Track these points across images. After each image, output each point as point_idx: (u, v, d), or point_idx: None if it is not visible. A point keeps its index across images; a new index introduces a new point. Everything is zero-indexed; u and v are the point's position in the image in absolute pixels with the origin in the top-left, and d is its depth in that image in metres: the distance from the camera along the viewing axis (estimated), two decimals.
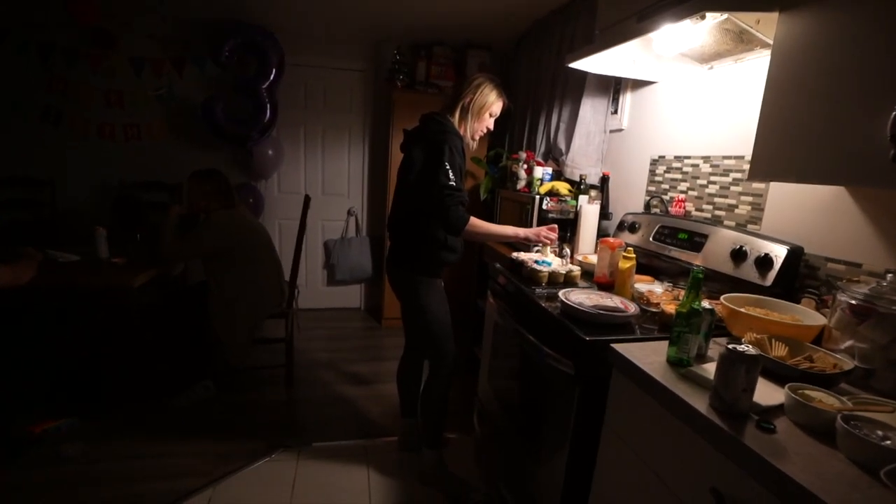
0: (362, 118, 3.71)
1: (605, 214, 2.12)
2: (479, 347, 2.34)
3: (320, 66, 3.55)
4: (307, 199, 2.69)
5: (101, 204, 3.32)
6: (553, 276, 1.59)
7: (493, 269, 1.83)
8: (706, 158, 1.69)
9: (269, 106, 3.21)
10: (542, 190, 2.28)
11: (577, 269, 1.63)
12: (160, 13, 3.07)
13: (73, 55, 3.10)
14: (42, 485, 1.75)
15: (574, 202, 2.17)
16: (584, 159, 2.36)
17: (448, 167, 1.56)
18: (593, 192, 2.17)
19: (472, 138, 1.74)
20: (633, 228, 1.87)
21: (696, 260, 1.50)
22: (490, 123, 1.77)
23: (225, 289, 2.27)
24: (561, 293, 1.35)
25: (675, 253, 1.61)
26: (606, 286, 1.54)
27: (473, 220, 1.64)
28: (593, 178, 2.28)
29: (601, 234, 2.08)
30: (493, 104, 1.71)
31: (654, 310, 1.32)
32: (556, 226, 1.82)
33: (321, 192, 3.74)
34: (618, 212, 2.13)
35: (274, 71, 3.19)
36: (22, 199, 3.22)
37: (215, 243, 2.21)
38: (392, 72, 3.30)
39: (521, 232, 1.76)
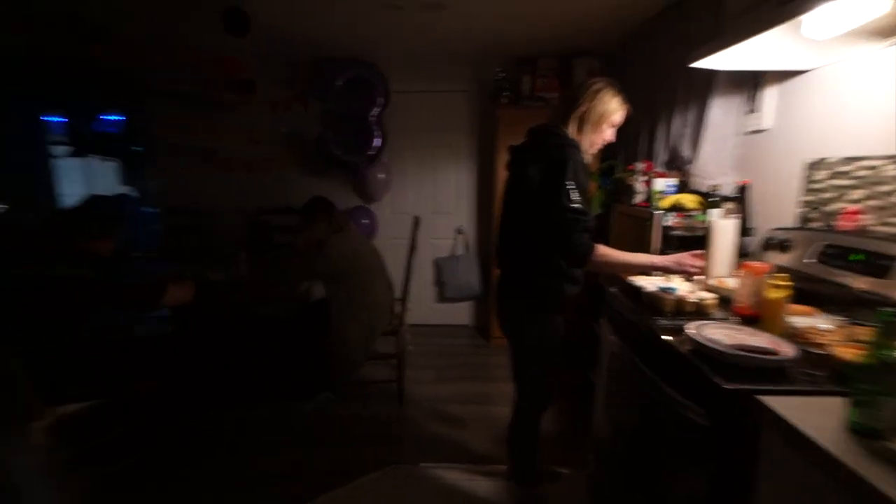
0: (468, 137, 3.75)
1: (745, 231, 1.82)
2: (594, 371, 2.16)
3: (424, 91, 3.67)
4: (416, 221, 2.77)
5: (243, 228, 3.81)
6: (680, 304, 1.38)
7: (609, 294, 1.67)
8: (893, 158, 1.35)
9: (377, 133, 3.41)
10: (664, 204, 2.05)
11: (710, 297, 1.40)
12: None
13: (225, 105, 3.64)
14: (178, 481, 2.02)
15: (704, 217, 1.90)
16: (714, 167, 2.07)
17: (571, 186, 1.36)
18: (729, 205, 1.88)
19: (589, 152, 1.55)
20: (783, 247, 1.56)
21: (880, 287, 1.19)
22: (610, 135, 1.56)
23: (340, 308, 2.42)
24: (691, 327, 1.16)
25: (846, 278, 1.30)
26: (750, 319, 1.30)
27: (600, 249, 1.41)
28: (727, 189, 1.98)
29: (741, 254, 1.79)
30: (614, 112, 1.51)
31: (819, 352, 1.07)
32: (701, 252, 1.54)
33: (431, 212, 3.85)
34: (760, 227, 1.82)
35: (380, 100, 3.38)
36: (186, 224, 3.84)
37: (330, 267, 2.37)
38: (495, 89, 3.29)
39: (657, 260, 1.48)
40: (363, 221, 3.65)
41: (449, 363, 3.23)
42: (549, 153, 1.43)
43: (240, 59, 2.75)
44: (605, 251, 1.42)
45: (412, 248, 2.73)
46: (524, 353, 1.61)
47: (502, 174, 2.25)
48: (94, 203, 1.98)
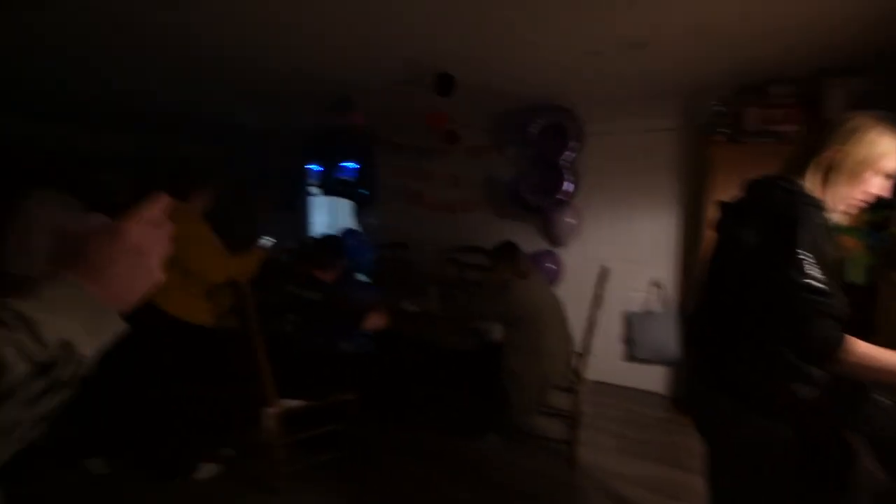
0: (671, 181, 3.35)
1: None
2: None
3: (622, 133, 3.45)
4: (603, 273, 2.57)
5: (438, 264, 4.16)
6: None
7: (873, 403, 1.19)
8: None
9: (568, 177, 3.33)
10: None
11: None
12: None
13: (432, 152, 4.12)
14: (360, 483, 2.20)
15: None
16: None
17: (806, 258, 1.00)
18: None
19: (842, 211, 1.15)
20: None
21: None
22: (880, 187, 1.13)
23: (515, 351, 2.38)
24: None
25: None
26: None
27: (857, 346, 0.98)
28: None
29: None
30: (883, 157, 1.09)
31: None
32: None
33: (623, 260, 3.54)
34: None
35: (573, 143, 3.31)
36: (394, 257, 4.41)
37: (509, 311, 2.36)
38: (709, 125, 2.86)
39: None
40: (548, 266, 3.58)
41: (635, 435, 2.83)
42: (774, 211, 1.08)
43: (446, 114, 3.08)
44: (864, 350, 0.97)
45: (597, 300, 2.53)
46: (728, 469, 1.22)
47: (711, 227, 1.90)
48: (324, 240, 2.43)
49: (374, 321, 2.46)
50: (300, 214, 5.54)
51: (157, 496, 2.15)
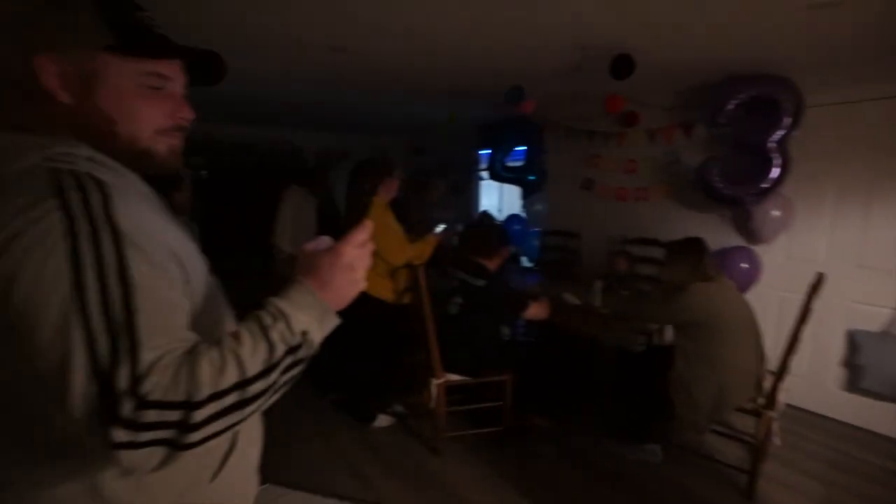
0: None
1: None
2: None
3: (859, 101, 2.68)
4: (819, 278, 2.10)
5: (606, 254, 3.94)
6: None
7: None
8: None
9: (777, 161, 2.76)
10: None
11: None
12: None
13: (607, 136, 3.87)
14: (514, 466, 2.29)
15: None
16: None
17: None
18: None
19: None
20: None
21: None
22: None
23: (687, 362, 2.15)
24: None
25: None
26: None
27: None
28: None
29: None
30: None
31: None
32: None
33: (853, 265, 2.82)
34: None
35: (786, 120, 2.71)
36: (560, 245, 4.34)
37: (683, 316, 2.13)
38: None
39: None
40: (741, 265, 3.07)
41: (847, 483, 2.29)
42: None
43: (622, 96, 2.86)
44: None
45: (805, 311, 2.09)
46: None
47: None
48: (488, 228, 2.54)
49: (535, 311, 2.50)
50: (470, 199, 5.85)
51: (350, 435, 2.62)
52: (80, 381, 0.48)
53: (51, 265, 0.49)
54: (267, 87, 3.61)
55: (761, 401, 2.12)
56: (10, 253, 0.49)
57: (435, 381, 2.38)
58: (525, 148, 4.59)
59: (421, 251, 2.63)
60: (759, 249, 3.13)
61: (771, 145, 2.80)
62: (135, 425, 0.48)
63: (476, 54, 2.65)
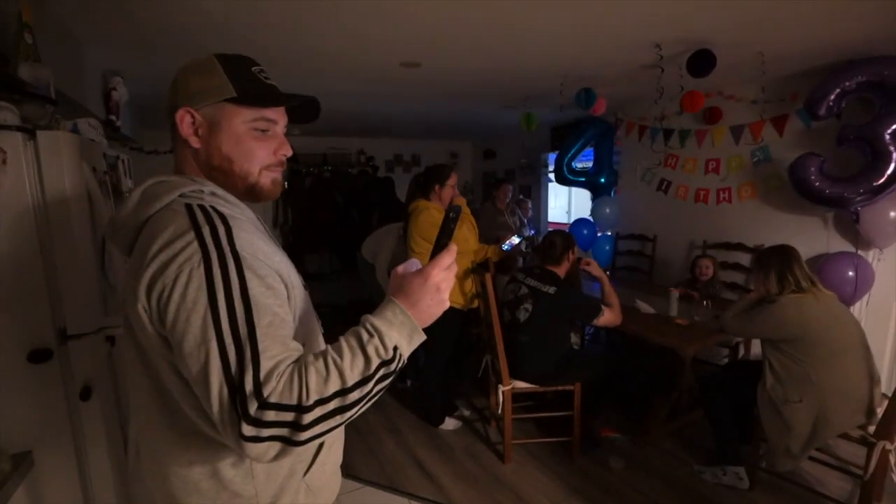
0: None
1: None
2: None
3: None
4: None
5: (685, 259, 3.71)
6: None
7: None
8: None
9: (894, 155, 2.44)
10: None
11: None
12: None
13: (684, 135, 3.64)
14: (584, 478, 2.24)
15: None
16: None
17: None
18: None
19: None
20: None
21: None
22: None
23: (778, 380, 1.97)
24: None
25: None
26: None
27: None
28: None
29: None
30: None
31: None
32: None
33: None
34: None
35: None
36: (633, 250, 4.15)
37: (773, 330, 1.96)
38: None
39: None
40: (846, 274, 2.75)
41: None
42: None
43: (701, 93, 2.68)
44: None
45: None
46: None
47: None
48: (555, 235, 2.51)
49: (608, 318, 2.42)
50: (538, 203, 5.77)
51: (418, 433, 2.71)
52: (216, 384, 0.58)
53: (191, 288, 0.60)
54: (343, 103, 3.83)
55: (872, 429, 1.90)
56: (163, 279, 0.61)
57: (502, 388, 2.40)
58: (594, 149, 4.45)
59: (487, 252, 2.68)
60: (869, 255, 2.79)
61: (888, 138, 2.49)
62: (259, 423, 0.56)
63: (547, 60, 2.63)
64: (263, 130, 0.74)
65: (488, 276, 2.39)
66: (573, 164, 4.47)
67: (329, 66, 2.73)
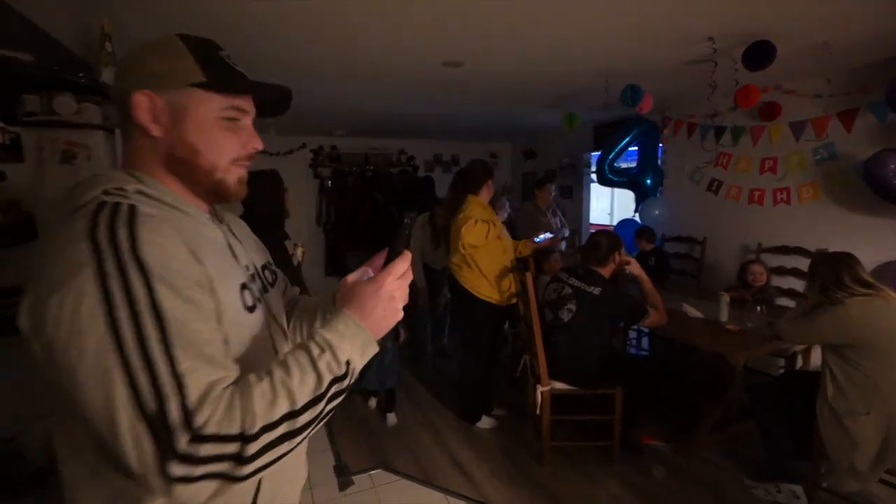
0: None
1: None
2: None
3: None
4: None
5: (736, 265, 3.52)
6: None
7: None
8: None
9: None
10: None
11: None
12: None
13: (740, 133, 3.47)
14: (623, 485, 2.17)
15: None
16: None
17: None
18: None
19: None
20: None
21: None
22: None
23: (840, 391, 1.84)
24: None
25: None
26: None
27: None
28: None
29: None
30: None
31: None
32: None
33: None
34: None
35: None
36: (682, 253, 3.99)
37: (834, 334, 1.83)
38: None
39: None
40: None
41: None
42: None
43: (757, 87, 2.54)
44: None
45: None
46: None
47: None
48: (600, 236, 2.45)
49: (654, 320, 2.35)
50: (579, 203, 5.65)
51: (454, 430, 2.72)
52: (125, 420, 0.48)
53: (84, 309, 0.50)
54: (385, 106, 3.91)
55: None
56: (48, 301, 0.50)
57: (541, 388, 2.36)
58: (638, 148, 4.31)
59: (522, 250, 2.66)
60: None
61: None
62: (191, 459, 0.48)
63: (592, 56, 2.57)
64: (234, 120, 0.67)
65: (528, 275, 2.37)
66: (616, 163, 4.35)
67: (373, 69, 2.78)
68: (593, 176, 5.11)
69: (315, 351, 0.58)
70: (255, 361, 0.63)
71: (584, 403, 2.51)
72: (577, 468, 2.35)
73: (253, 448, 0.51)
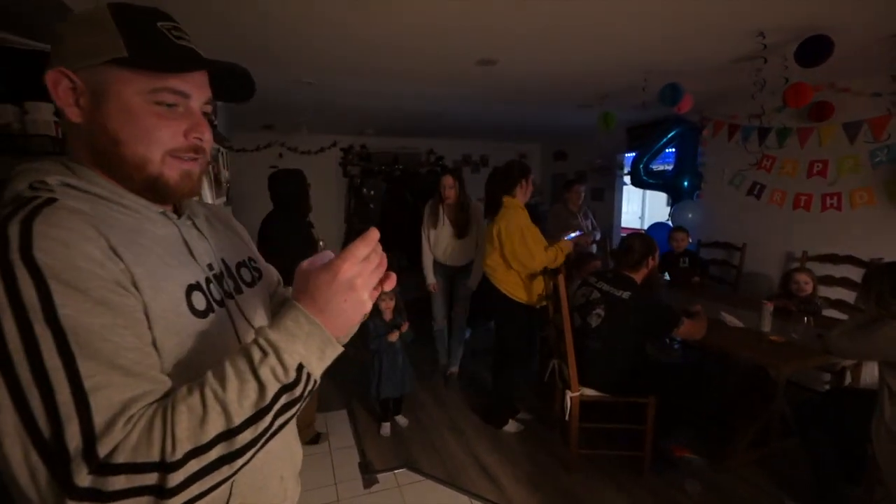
0: None
1: None
2: None
3: None
4: None
5: (779, 273, 3.36)
6: None
7: None
8: None
9: None
10: None
11: None
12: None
13: (786, 134, 3.30)
14: (654, 498, 2.09)
15: None
16: None
17: None
18: None
19: None
20: None
21: None
22: None
23: (893, 402, 1.71)
24: None
25: None
26: None
27: None
28: None
29: None
30: None
31: None
32: None
33: None
34: None
35: None
36: (718, 259, 3.83)
37: (885, 352, 1.70)
38: None
39: None
40: None
41: None
42: None
43: (809, 85, 2.40)
44: None
45: None
46: None
47: None
48: (633, 238, 2.37)
49: (689, 329, 2.25)
50: (611, 205, 5.52)
51: (480, 433, 2.68)
52: (17, 448, 0.41)
53: None
54: (416, 105, 3.90)
55: None
56: None
57: (570, 394, 2.30)
58: (676, 150, 4.17)
59: (554, 255, 2.57)
60: None
61: None
62: (97, 495, 0.40)
63: (630, 54, 2.49)
64: (170, 105, 0.55)
65: (561, 278, 2.31)
66: (651, 165, 4.22)
67: (406, 67, 2.77)
68: (626, 178, 4.98)
69: (257, 355, 0.48)
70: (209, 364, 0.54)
71: (615, 411, 2.43)
72: (606, 478, 2.27)
73: (177, 478, 0.42)
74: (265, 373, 0.48)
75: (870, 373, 2.31)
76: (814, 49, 2.00)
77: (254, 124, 4.83)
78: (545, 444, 2.58)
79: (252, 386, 0.47)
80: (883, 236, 2.84)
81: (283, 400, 0.49)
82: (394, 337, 2.51)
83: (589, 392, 2.30)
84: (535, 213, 2.71)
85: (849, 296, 2.94)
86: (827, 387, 2.84)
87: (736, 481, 2.24)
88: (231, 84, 0.64)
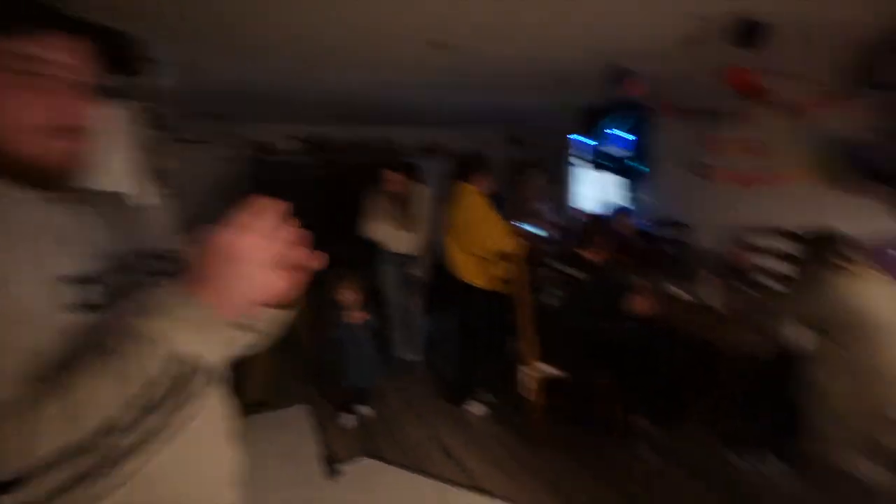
0: None
1: None
2: None
3: None
4: None
5: (723, 247, 3.52)
6: None
7: None
8: None
9: None
10: None
11: None
12: None
13: (729, 116, 3.45)
14: (616, 468, 2.17)
15: None
16: None
17: None
18: None
19: None
20: None
21: None
22: None
23: (827, 368, 1.85)
24: None
25: None
26: None
27: None
28: None
29: None
30: None
31: None
32: None
33: None
34: None
35: None
36: (667, 237, 3.98)
37: (823, 314, 1.82)
38: None
39: None
40: None
41: None
42: None
43: (747, 68, 2.50)
44: None
45: None
46: None
47: None
48: (589, 219, 2.42)
49: (640, 304, 2.33)
50: (564, 189, 5.61)
51: (443, 417, 2.69)
52: None
53: None
54: (368, 89, 3.79)
55: None
56: None
57: (526, 370, 2.34)
58: (627, 133, 4.28)
59: (513, 240, 2.61)
60: None
61: None
62: None
63: (588, 36, 2.49)
64: (32, 75, 0.47)
65: (519, 262, 2.33)
66: (606, 149, 4.32)
67: (352, 50, 2.68)
68: (582, 162, 5.07)
69: (126, 344, 0.42)
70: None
71: (575, 388, 2.50)
72: (570, 452, 2.34)
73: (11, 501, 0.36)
74: (133, 365, 0.42)
75: (807, 335, 2.46)
76: (748, 32, 2.08)
77: (201, 113, 4.58)
78: (511, 424, 2.62)
79: (112, 383, 0.41)
80: (814, 210, 3.02)
81: (174, 396, 0.43)
82: (355, 318, 2.47)
83: (548, 369, 2.35)
84: (494, 199, 2.71)
85: (789, 268, 3.12)
86: (765, 353, 3.02)
87: (690, 446, 2.36)
88: (120, 54, 0.56)
